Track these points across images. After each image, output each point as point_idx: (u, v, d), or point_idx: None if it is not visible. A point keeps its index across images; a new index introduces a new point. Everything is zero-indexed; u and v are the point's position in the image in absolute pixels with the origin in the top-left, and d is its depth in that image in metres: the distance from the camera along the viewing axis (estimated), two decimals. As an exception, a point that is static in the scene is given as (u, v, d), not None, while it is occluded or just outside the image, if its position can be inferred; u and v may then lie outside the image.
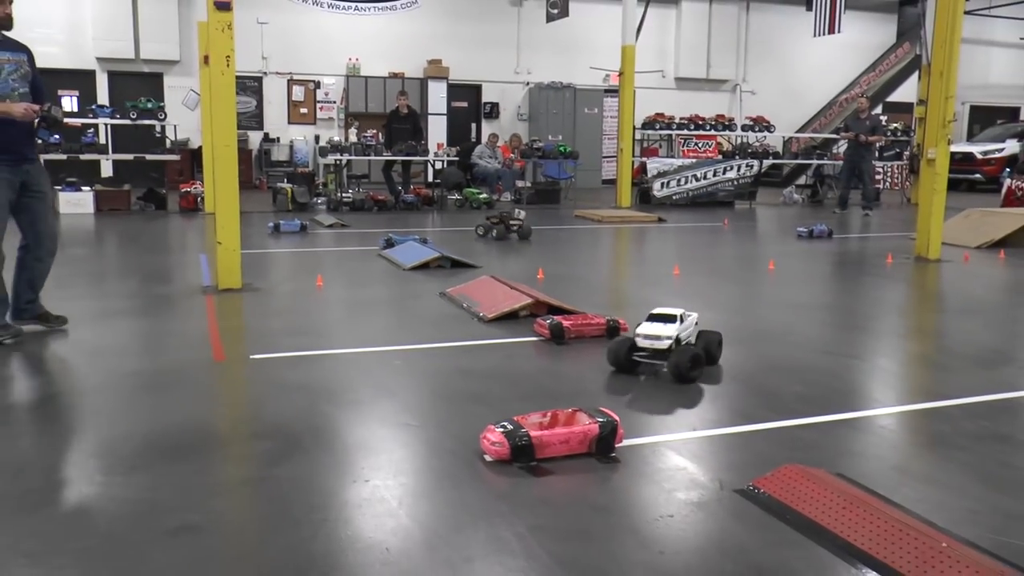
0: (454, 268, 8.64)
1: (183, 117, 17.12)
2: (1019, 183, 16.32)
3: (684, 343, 5.07)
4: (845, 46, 24.61)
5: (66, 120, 5.84)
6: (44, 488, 3.42)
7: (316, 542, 2.96)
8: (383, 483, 3.46)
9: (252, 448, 3.84)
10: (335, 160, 16.39)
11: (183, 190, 14.83)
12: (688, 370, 4.85)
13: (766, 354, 5.74)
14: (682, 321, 5.08)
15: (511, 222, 11.41)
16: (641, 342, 4.95)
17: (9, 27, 5.57)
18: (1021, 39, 28.43)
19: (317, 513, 3.18)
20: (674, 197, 17.29)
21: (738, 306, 7.54)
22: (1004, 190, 16.62)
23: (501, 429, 3.67)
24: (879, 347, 6.33)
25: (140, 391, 4.71)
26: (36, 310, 5.95)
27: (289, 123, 21.06)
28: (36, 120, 5.59)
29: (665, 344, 4.91)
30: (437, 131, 20.93)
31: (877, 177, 19.23)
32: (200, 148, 15.96)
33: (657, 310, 5.13)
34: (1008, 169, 19.13)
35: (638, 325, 5.07)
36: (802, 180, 21.50)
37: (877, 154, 18.71)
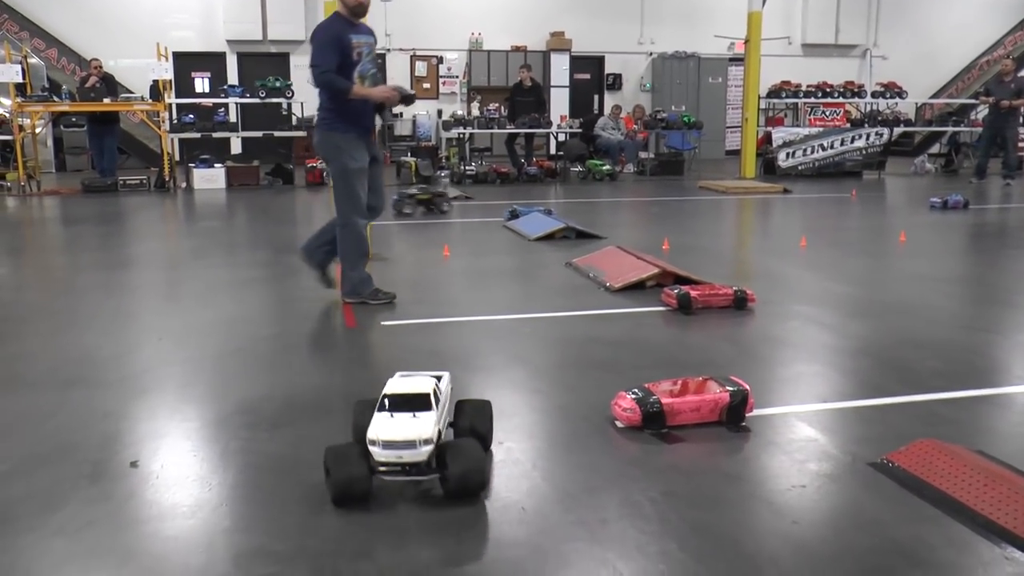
0: (579, 239, 8.68)
1: (309, 95, 17.55)
2: None
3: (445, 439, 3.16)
4: (988, 4, 23.41)
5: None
6: (193, 442, 3.63)
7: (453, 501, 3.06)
8: (517, 445, 3.55)
9: (390, 410, 3.97)
10: (458, 134, 16.58)
11: (309, 165, 15.24)
12: (478, 484, 3.05)
13: (899, 327, 5.59)
14: (436, 401, 3.17)
15: (437, 198, 11.02)
16: (381, 454, 3.01)
17: (364, 14, 5.96)
18: None
19: (453, 473, 3.28)
20: (800, 167, 16.87)
21: (868, 278, 7.34)
22: None
23: (632, 396, 3.71)
24: (1022, 322, 6.09)
25: (279, 354, 4.93)
26: (327, 262, 6.23)
27: (412, 98, 21.38)
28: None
29: (424, 454, 3.00)
30: (559, 103, 20.90)
31: (1021, 145, 18.26)
32: (327, 123, 16.34)
33: (395, 387, 3.19)
34: None
35: (370, 424, 3.10)
36: (935, 149, 20.64)
37: (1022, 120, 17.75)
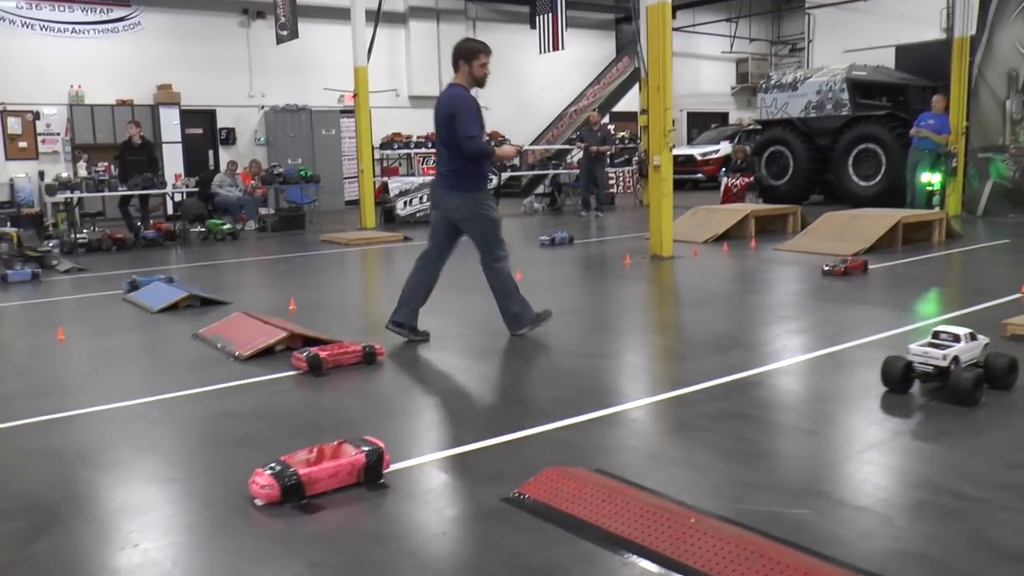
0: (204, 306, 8.37)
1: None
2: (734, 181, 17.98)
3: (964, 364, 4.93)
4: (571, 61, 25.91)
5: None
6: None
7: (87, 615, 2.85)
8: (154, 545, 3.35)
9: (2, 529, 3.59)
10: (65, 198, 15.39)
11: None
12: (969, 393, 4.69)
13: (522, 362, 6.02)
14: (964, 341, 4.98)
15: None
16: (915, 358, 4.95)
17: (484, 85, 6.66)
18: (723, 52, 31.36)
19: (85, 586, 3.05)
20: (418, 215, 17.51)
21: (490, 319, 7.76)
22: (722, 188, 18.33)
23: (269, 471, 3.66)
24: (626, 344, 6.80)
25: None
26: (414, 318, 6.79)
27: (7, 159, 19.43)
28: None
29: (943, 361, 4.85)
30: (173, 161, 20.07)
31: (611, 182, 20.46)
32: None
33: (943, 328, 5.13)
34: (724, 168, 20.89)
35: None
36: (540, 189, 22.42)
37: (609, 161, 19.92)
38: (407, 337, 6.66)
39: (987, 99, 15.21)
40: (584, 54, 26.78)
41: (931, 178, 14.86)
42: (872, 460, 4.04)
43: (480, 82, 6.59)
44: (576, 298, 8.97)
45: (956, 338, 4.98)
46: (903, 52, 19.94)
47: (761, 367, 5.68)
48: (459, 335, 7.08)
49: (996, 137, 15.12)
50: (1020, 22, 14.71)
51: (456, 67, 6.57)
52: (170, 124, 20.54)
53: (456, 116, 6.30)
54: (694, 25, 29.82)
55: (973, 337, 5.05)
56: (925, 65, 18.41)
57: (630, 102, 25.72)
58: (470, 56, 6.52)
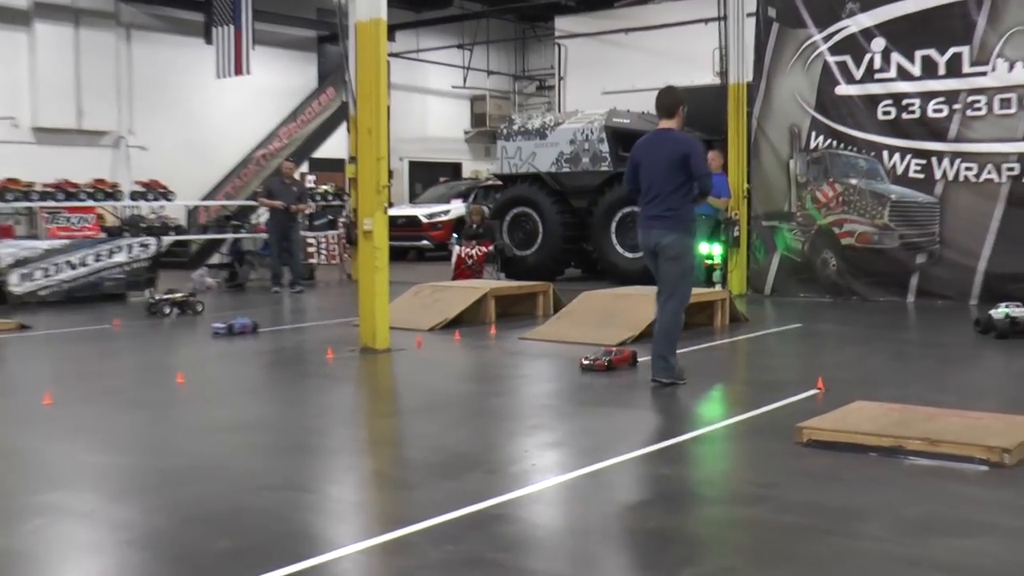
0: None
1: None
2: (469, 250, 18.34)
3: None
4: (261, 90, 25.92)
5: None
6: None
7: None
8: None
9: None
10: None
11: None
12: None
13: (182, 501, 5.68)
14: None
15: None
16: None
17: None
18: (455, 88, 32.31)
19: None
20: (42, 292, 16.69)
21: (141, 440, 7.39)
22: (454, 259, 18.65)
23: None
24: (327, 470, 6.65)
25: None
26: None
27: None
28: None
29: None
30: None
31: (311, 250, 20.36)
32: None
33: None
34: (456, 235, 21.31)
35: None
36: (216, 259, 21.93)
37: (307, 223, 19.89)
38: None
39: (769, 158, 16.43)
40: (277, 81, 26.84)
41: (710, 250, 15.62)
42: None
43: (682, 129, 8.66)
44: (259, 408, 8.71)
45: None
46: (672, 97, 21.25)
47: (505, 494, 5.68)
48: (96, 465, 6.67)
49: (781, 203, 16.31)
50: (799, 70, 16.01)
51: (672, 113, 8.47)
52: None
53: (692, 156, 8.18)
54: (418, 51, 30.69)
55: None
56: (698, 114, 19.64)
57: (336, 147, 25.88)
58: (684, 103, 8.51)
